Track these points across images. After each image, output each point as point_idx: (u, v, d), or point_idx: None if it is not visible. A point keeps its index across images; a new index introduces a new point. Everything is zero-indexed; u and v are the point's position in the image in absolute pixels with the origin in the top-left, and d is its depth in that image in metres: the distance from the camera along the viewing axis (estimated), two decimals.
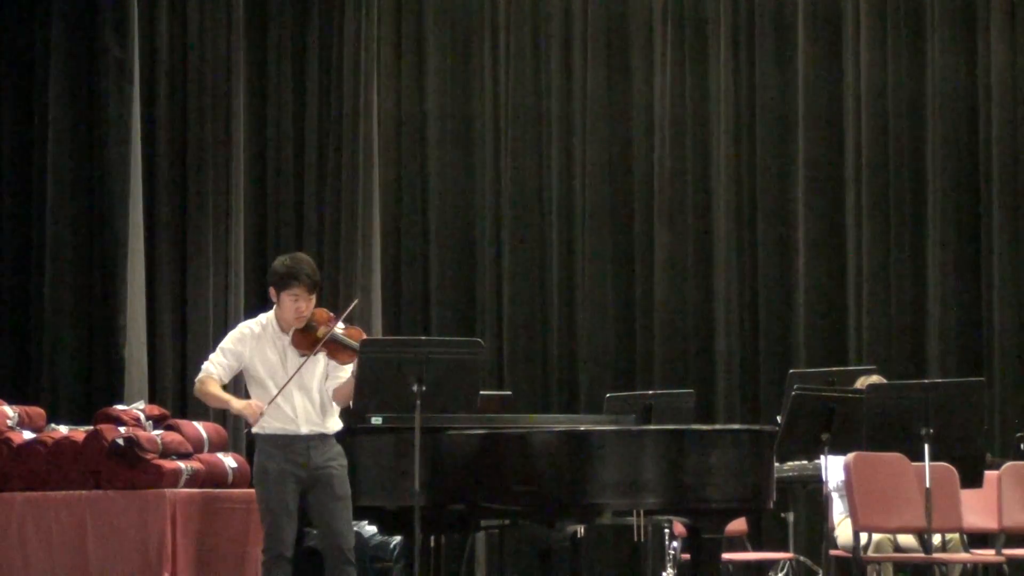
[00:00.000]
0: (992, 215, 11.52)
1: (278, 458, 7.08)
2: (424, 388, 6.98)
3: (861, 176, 11.62)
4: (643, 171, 11.80)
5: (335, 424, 7.23)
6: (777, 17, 11.82)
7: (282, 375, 7.09)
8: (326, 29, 11.45)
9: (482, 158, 11.79)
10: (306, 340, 7.11)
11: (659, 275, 11.66)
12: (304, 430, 7.11)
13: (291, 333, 7.14)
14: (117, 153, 10.50)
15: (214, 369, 7.17)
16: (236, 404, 7.10)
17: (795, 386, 7.99)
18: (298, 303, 7.10)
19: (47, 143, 10.64)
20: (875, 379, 8.64)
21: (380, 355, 7.00)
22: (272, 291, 7.19)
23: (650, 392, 9.72)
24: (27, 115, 10.81)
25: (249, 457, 8.43)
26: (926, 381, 9.31)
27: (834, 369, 9.70)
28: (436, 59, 11.84)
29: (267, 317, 7.23)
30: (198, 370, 10.51)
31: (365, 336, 7.24)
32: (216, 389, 7.14)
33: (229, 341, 7.22)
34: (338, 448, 7.20)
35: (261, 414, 7.02)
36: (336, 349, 7.13)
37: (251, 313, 10.82)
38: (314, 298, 7.17)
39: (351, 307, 7.30)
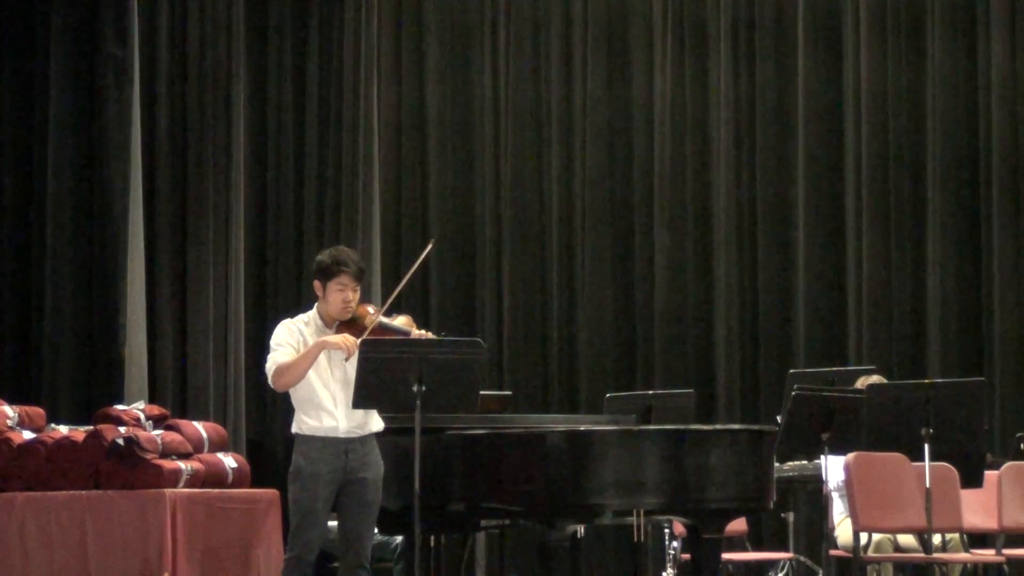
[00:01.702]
0: (992, 215, 11.53)
1: (314, 460, 7.02)
2: (424, 388, 6.97)
3: (861, 176, 11.62)
4: (643, 171, 11.80)
5: (376, 424, 7.17)
6: (777, 17, 11.82)
7: (327, 372, 7.03)
8: (326, 29, 11.45)
9: (482, 158, 11.79)
10: (353, 332, 7.02)
11: (659, 276, 11.67)
12: (343, 431, 7.05)
13: (335, 328, 7.10)
14: (117, 153, 10.49)
15: (282, 357, 7.02)
16: (330, 339, 6.95)
17: (795, 386, 7.99)
18: (345, 292, 7.05)
19: (47, 142, 10.63)
20: (875, 379, 8.64)
21: (380, 355, 6.98)
22: (317, 285, 7.12)
23: (650, 392, 9.73)
24: (27, 114, 10.80)
25: (250, 457, 8.46)
26: (926, 381, 9.32)
27: (834, 369, 9.71)
28: (436, 59, 11.84)
29: (309, 315, 7.17)
30: (198, 370, 10.66)
31: (415, 324, 7.19)
32: (291, 357, 6.97)
33: (279, 337, 7.10)
34: (377, 452, 7.14)
35: (356, 346, 6.88)
36: (384, 334, 7.05)
37: (251, 313, 10.96)
38: (359, 289, 7.12)
39: (408, 277, 7.21)
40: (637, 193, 11.81)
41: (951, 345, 11.51)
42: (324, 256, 7.17)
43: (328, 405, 7.06)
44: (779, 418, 8.22)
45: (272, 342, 7.14)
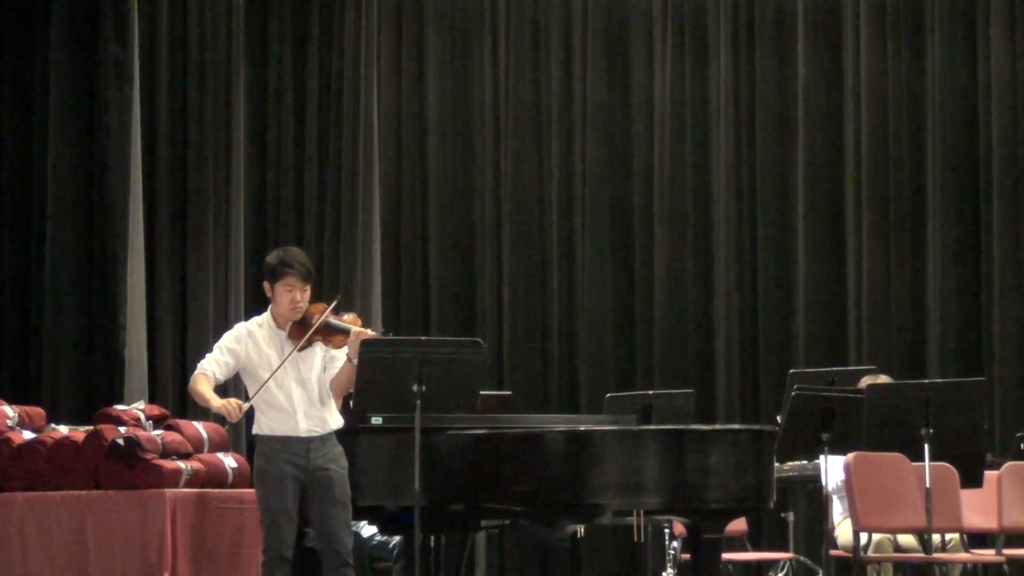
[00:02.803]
0: (992, 215, 11.53)
1: (277, 460, 7.02)
2: (424, 388, 6.97)
3: (861, 176, 11.62)
4: (643, 171, 11.81)
5: (335, 421, 7.17)
6: (777, 17, 11.82)
7: (283, 373, 7.03)
8: (326, 29, 11.46)
9: (482, 158, 11.79)
10: (302, 332, 7.05)
11: (659, 275, 11.67)
12: (303, 430, 7.05)
13: (288, 328, 7.11)
14: (117, 153, 10.50)
15: (209, 367, 7.05)
16: (215, 402, 6.94)
17: (795, 386, 7.99)
18: (293, 293, 7.04)
19: (47, 143, 10.64)
20: (883, 379, 8.63)
21: (380, 355, 6.98)
22: (267, 286, 7.13)
23: (650, 392, 9.72)
24: (27, 115, 10.81)
25: (249, 457, 8.44)
26: (926, 381, 9.32)
27: (834, 369, 9.70)
28: (436, 59, 11.84)
29: (263, 317, 7.18)
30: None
31: (360, 322, 7.19)
32: (203, 387, 6.99)
33: (226, 340, 7.15)
34: (339, 449, 7.13)
35: (241, 412, 6.88)
36: (330, 333, 7.06)
37: (251, 313, 10.93)
38: (308, 289, 7.10)
39: (339, 298, 7.24)
40: (637, 193, 11.81)
41: (951, 345, 11.51)
42: (271, 257, 7.17)
43: (286, 406, 7.05)
44: (779, 418, 8.22)
45: (218, 343, 7.17)
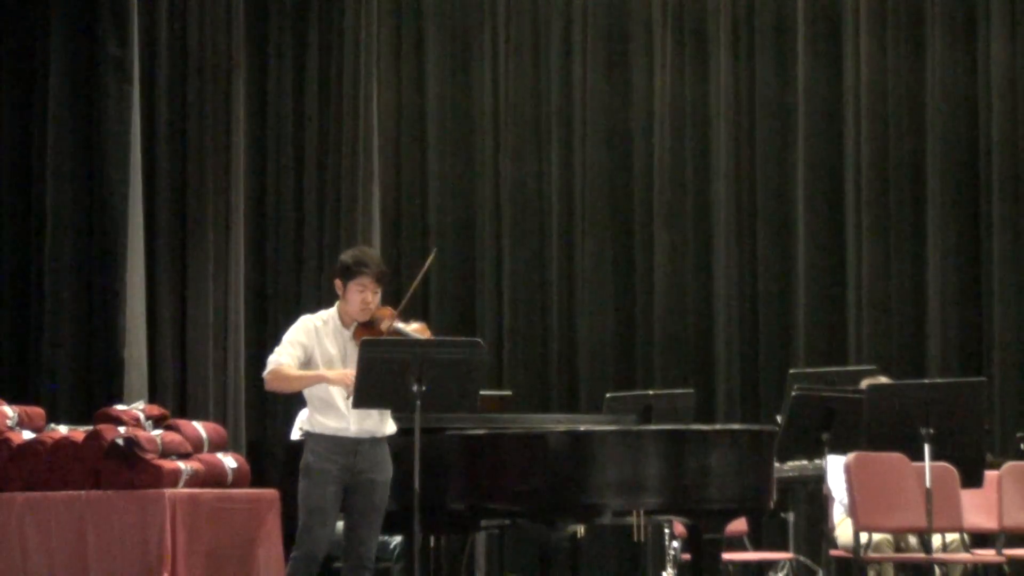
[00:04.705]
0: (992, 215, 11.54)
1: (323, 458, 7.03)
2: (424, 388, 6.97)
3: (861, 176, 11.63)
4: (643, 171, 11.81)
5: (388, 426, 7.17)
6: (777, 17, 11.83)
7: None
8: (326, 29, 11.45)
9: (482, 158, 11.79)
10: (370, 334, 7.04)
11: (659, 275, 11.67)
12: (353, 430, 7.06)
13: (353, 328, 7.11)
14: (117, 153, 10.49)
15: (284, 359, 7.03)
16: (331, 374, 6.98)
17: (795, 386, 8.00)
18: (364, 293, 7.06)
19: (47, 143, 10.62)
20: (883, 380, 8.63)
21: (380, 355, 6.97)
22: (338, 283, 7.13)
23: (650, 392, 9.73)
24: (27, 115, 10.80)
25: (250, 458, 8.44)
26: (926, 381, 9.32)
27: (834, 369, 9.72)
28: (436, 59, 11.83)
29: (328, 313, 7.17)
30: (198, 370, 10.65)
31: (428, 331, 7.20)
32: (298, 371, 7.00)
33: (293, 334, 7.11)
34: (387, 455, 7.14)
35: (351, 379, 6.90)
36: None
37: (251, 313, 10.96)
38: (380, 291, 7.12)
39: (423, 275, 7.23)
40: (637, 193, 11.81)
41: (951, 345, 11.51)
42: (346, 256, 7.20)
43: (340, 405, 7.06)
44: (779, 418, 8.22)
45: (285, 337, 7.15)
